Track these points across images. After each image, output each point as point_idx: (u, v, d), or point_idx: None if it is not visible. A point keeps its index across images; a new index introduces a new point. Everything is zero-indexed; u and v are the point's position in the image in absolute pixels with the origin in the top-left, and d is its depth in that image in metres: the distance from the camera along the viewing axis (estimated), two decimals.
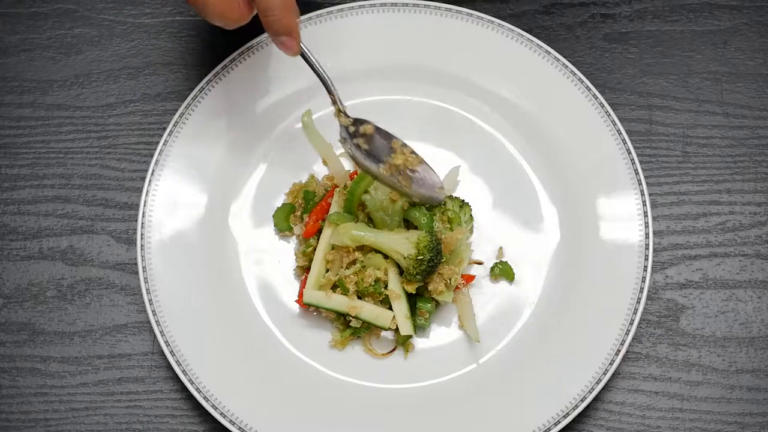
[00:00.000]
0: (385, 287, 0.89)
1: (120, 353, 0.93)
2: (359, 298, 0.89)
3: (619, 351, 0.87)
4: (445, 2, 0.99)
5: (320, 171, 0.98)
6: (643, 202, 0.92)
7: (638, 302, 0.88)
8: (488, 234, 0.95)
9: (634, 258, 0.90)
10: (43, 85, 1.03)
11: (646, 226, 0.91)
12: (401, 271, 0.89)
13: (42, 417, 0.91)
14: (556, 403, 0.86)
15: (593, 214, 0.93)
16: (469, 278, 0.93)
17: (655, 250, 0.95)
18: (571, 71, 0.96)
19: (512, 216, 0.96)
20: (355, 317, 0.88)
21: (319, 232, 0.92)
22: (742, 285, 0.95)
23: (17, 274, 0.96)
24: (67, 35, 1.05)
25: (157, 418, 0.91)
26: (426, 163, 0.90)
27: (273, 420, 0.86)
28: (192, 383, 0.86)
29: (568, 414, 0.85)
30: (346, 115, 0.89)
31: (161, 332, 0.88)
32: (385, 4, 0.99)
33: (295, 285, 0.93)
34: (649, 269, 0.89)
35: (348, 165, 0.97)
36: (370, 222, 0.92)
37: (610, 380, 0.91)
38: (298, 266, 0.93)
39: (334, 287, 0.90)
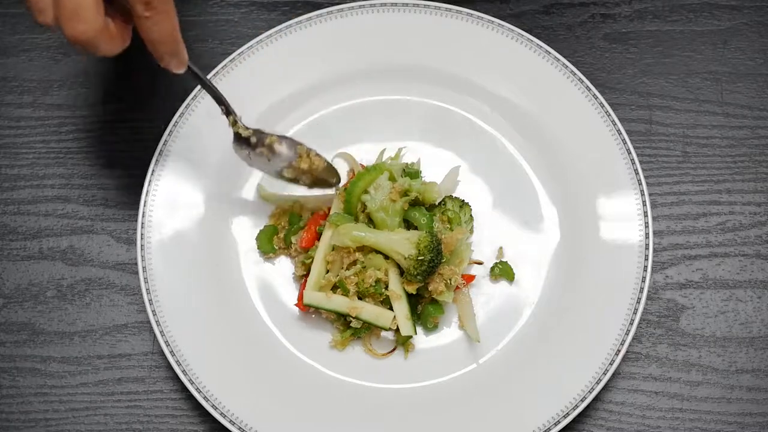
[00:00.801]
0: (386, 288, 0.89)
1: (120, 353, 0.93)
2: (360, 298, 0.89)
3: (619, 351, 0.87)
4: (445, 2, 0.99)
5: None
6: (643, 202, 0.92)
7: (638, 302, 0.88)
8: (488, 234, 0.95)
9: (634, 258, 0.90)
10: (43, 85, 1.03)
11: (646, 226, 0.91)
12: (402, 272, 0.89)
13: (42, 417, 0.91)
14: (556, 403, 0.86)
15: (593, 214, 0.93)
16: (469, 278, 0.93)
17: (655, 250, 0.95)
18: (571, 71, 0.96)
19: (512, 216, 0.96)
20: (356, 318, 0.88)
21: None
22: (742, 285, 0.95)
23: (17, 274, 0.96)
24: None
25: (157, 418, 0.91)
26: (329, 162, 0.92)
27: (273, 420, 0.86)
28: (192, 383, 0.86)
29: (568, 414, 0.85)
30: (246, 127, 0.89)
31: (161, 332, 0.88)
32: (385, 4, 0.99)
33: (295, 285, 0.93)
34: (649, 269, 0.89)
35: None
36: (371, 222, 0.91)
37: (610, 380, 0.91)
38: (297, 275, 0.93)
39: (334, 288, 0.90)
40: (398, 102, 1.00)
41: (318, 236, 0.92)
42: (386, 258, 0.90)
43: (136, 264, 0.95)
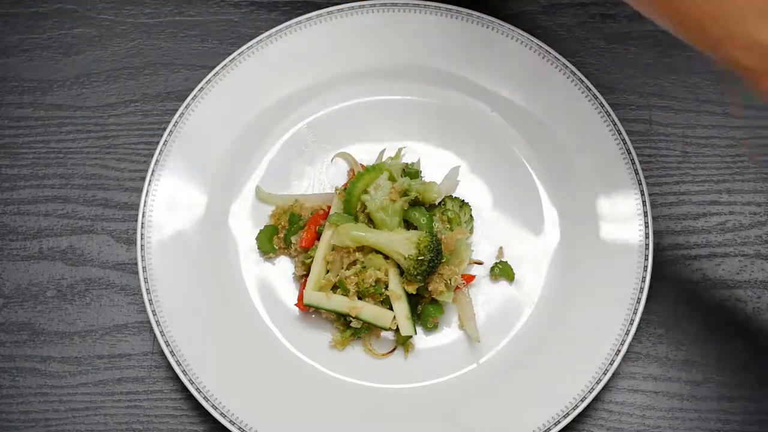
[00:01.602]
0: (386, 288, 0.89)
1: (120, 353, 0.93)
2: (359, 298, 0.89)
3: (619, 351, 0.87)
4: (445, 2, 0.99)
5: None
6: (643, 202, 0.92)
7: (638, 302, 0.88)
8: (488, 234, 0.95)
9: (634, 258, 0.90)
10: (43, 85, 1.03)
11: (646, 226, 0.91)
12: (402, 272, 0.89)
13: (42, 417, 0.91)
14: (556, 403, 0.86)
15: (593, 214, 0.93)
16: (469, 278, 0.93)
17: (655, 250, 0.95)
18: (571, 71, 0.96)
19: (512, 216, 0.96)
20: (356, 318, 0.88)
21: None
22: (742, 285, 0.95)
23: (17, 274, 0.96)
24: (67, 35, 1.05)
25: (157, 418, 0.91)
26: None
27: (273, 420, 0.86)
28: (192, 383, 0.86)
29: (568, 414, 0.85)
30: None
31: (161, 332, 0.88)
32: (385, 4, 0.99)
33: (295, 285, 0.93)
34: (649, 269, 0.89)
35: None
36: (371, 222, 0.91)
37: (610, 380, 0.91)
38: (297, 275, 0.93)
39: (334, 288, 0.90)
40: (398, 102, 1.00)
41: (318, 236, 0.92)
42: (386, 258, 0.90)
43: (136, 264, 0.95)
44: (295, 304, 0.92)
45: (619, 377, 0.92)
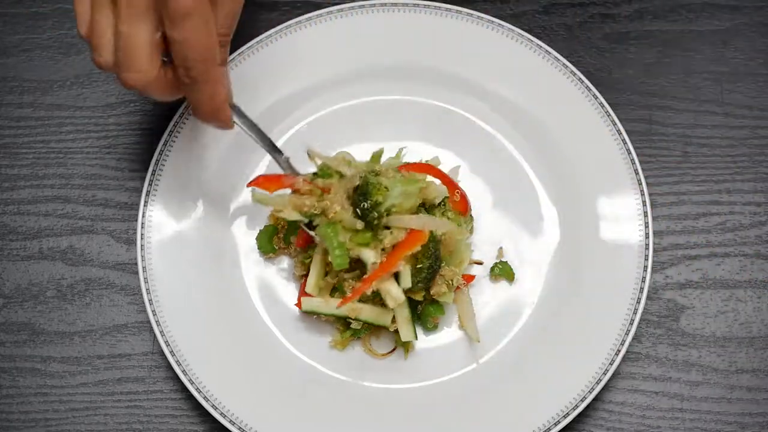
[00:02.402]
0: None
1: (120, 353, 0.93)
2: (359, 300, 0.89)
3: (619, 351, 0.87)
4: (445, 2, 0.99)
5: None
6: (643, 202, 0.92)
7: (638, 302, 0.88)
8: (488, 234, 0.95)
9: (634, 258, 0.90)
10: (43, 85, 1.03)
11: (646, 226, 0.91)
12: None
13: (42, 417, 0.91)
14: (556, 403, 0.86)
15: (593, 214, 0.93)
16: (469, 278, 0.93)
17: (655, 250, 0.95)
18: (571, 71, 0.96)
19: (512, 216, 0.96)
20: (356, 319, 0.88)
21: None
22: (742, 285, 0.95)
23: (17, 274, 0.96)
24: (67, 35, 1.05)
25: (157, 418, 0.91)
26: None
27: (273, 420, 0.86)
28: (192, 383, 0.86)
29: (568, 414, 0.85)
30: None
31: (161, 332, 0.88)
32: (385, 4, 0.99)
33: (295, 285, 0.93)
34: (649, 269, 0.89)
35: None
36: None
37: (610, 380, 0.91)
38: (296, 275, 0.93)
39: (333, 290, 0.90)
40: (398, 102, 1.00)
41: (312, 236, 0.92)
42: None
43: (136, 264, 0.95)
44: (295, 304, 0.92)
45: (619, 377, 0.92)
